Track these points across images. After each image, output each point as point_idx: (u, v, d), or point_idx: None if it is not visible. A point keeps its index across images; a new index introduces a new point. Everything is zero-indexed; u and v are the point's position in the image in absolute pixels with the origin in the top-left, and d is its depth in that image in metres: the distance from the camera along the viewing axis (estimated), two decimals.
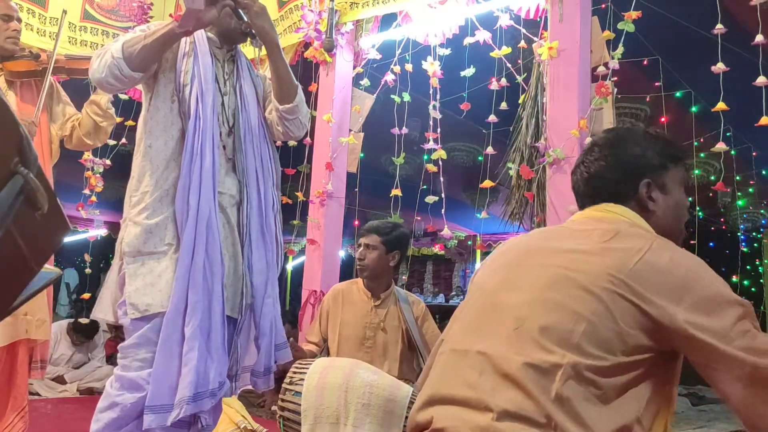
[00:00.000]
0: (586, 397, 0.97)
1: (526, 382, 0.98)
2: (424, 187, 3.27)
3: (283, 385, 2.26)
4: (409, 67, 3.31)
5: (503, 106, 3.01)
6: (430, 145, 3.15)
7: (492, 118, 2.98)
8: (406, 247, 2.73)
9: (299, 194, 3.63)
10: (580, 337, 1.00)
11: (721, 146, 2.53)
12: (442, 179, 3.15)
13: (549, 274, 1.10)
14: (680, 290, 1.02)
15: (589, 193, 1.27)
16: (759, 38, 2.36)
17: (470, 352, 1.08)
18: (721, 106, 2.40)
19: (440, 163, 3.16)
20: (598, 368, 0.99)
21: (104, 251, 9.04)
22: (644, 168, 1.23)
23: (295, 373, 2.29)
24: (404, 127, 3.35)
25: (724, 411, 4.79)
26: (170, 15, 1.85)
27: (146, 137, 1.84)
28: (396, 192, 3.30)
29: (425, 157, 3.25)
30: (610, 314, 1.01)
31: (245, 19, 1.91)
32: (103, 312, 1.83)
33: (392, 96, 3.37)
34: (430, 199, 3.14)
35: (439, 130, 3.18)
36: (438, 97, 3.21)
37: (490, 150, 3.02)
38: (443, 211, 3.10)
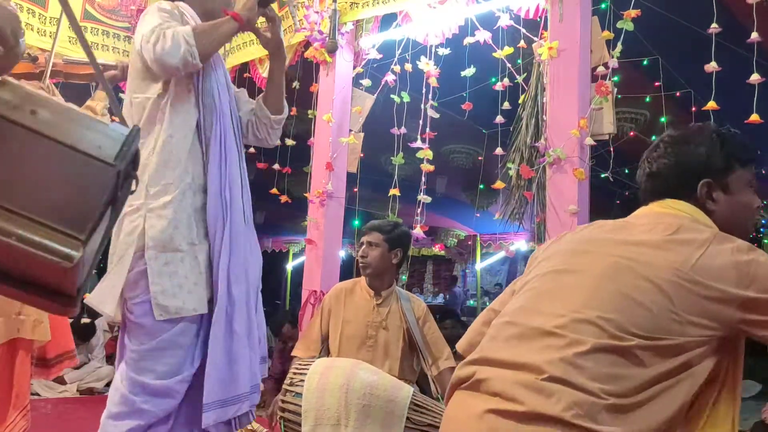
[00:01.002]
0: (640, 375, 1.01)
1: (579, 360, 1.01)
2: (425, 186, 3.27)
3: (284, 386, 2.26)
4: (408, 67, 3.31)
5: (504, 105, 3.01)
6: (418, 144, 3.16)
7: (499, 119, 2.99)
8: (407, 246, 2.75)
9: (308, 195, 3.62)
10: (636, 322, 1.04)
11: None
12: (423, 179, 3.16)
13: (611, 262, 1.13)
14: (746, 279, 1.06)
15: (650, 189, 1.30)
16: (754, 36, 2.36)
17: (525, 326, 1.12)
18: (711, 105, 2.41)
19: (426, 161, 3.17)
20: (654, 347, 1.03)
21: (104, 250, 9.03)
22: (706, 169, 1.24)
23: (295, 374, 2.29)
24: (404, 128, 3.34)
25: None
26: (225, 11, 1.86)
27: (167, 127, 1.76)
28: (394, 191, 3.31)
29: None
30: (671, 304, 1.05)
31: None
32: (109, 308, 1.70)
33: (392, 96, 3.37)
34: (424, 198, 3.15)
35: (428, 129, 3.18)
36: (434, 96, 3.21)
37: (499, 151, 3.01)
38: (420, 210, 3.11)
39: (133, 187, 0.96)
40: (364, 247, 2.67)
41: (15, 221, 0.80)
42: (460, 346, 1.45)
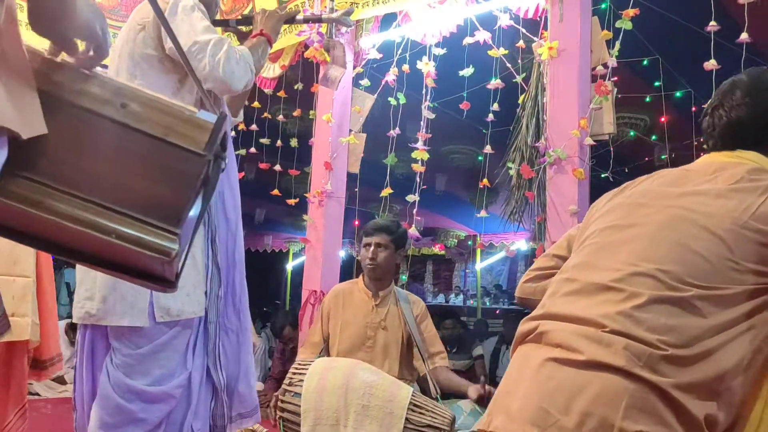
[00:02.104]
0: (699, 325, 1.01)
1: (636, 313, 1.02)
2: (425, 187, 3.27)
3: (283, 386, 2.26)
4: (405, 67, 3.31)
5: (505, 105, 3.01)
6: (419, 144, 3.16)
7: (490, 117, 2.99)
8: (407, 244, 2.77)
9: (308, 195, 3.62)
10: (694, 273, 1.04)
11: None
12: (418, 179, 3.16)
13: (669, 214, 1.13)
14: None
15: (725, 136, 1.26)
16: (743, 36, 2.36)
17: (584, 282, 1.13)
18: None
19: (420, 161, 3.17)
20: (713, 297, 1.03)
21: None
22: None
23: (294, 374, 2.29)
24: (398, 129, 3.34)
25: None
26: (262, 33, 1.83)
27: None
28: (387, 191, 3.31)
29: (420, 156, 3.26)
30: (731, 252, 1.05)
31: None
32: (138, 318, 1.62)
33: (389, 99, 3.37)
34: (411, 197, 3.16)
35: (426, 130, 3.18)
36: (434, 96, 3.21)
37: (488, 149, 3.01)
38: (415, 210, 3.12)
39: (222, 166, 0.95)
40: (372, 248, 2.64)
41: (111, 217, 0.81)
42: (518, 291, 1.46)
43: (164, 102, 0.89)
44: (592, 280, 1.12)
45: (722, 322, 1.02)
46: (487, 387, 2.29)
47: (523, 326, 1.18)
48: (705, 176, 1.18)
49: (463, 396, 2.39)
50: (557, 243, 1.44)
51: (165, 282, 0.94)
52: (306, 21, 1.92)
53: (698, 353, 1.00)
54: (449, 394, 2.49)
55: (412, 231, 3.06)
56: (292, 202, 3.86)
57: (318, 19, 1.97)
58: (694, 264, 1.05)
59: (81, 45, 0.93)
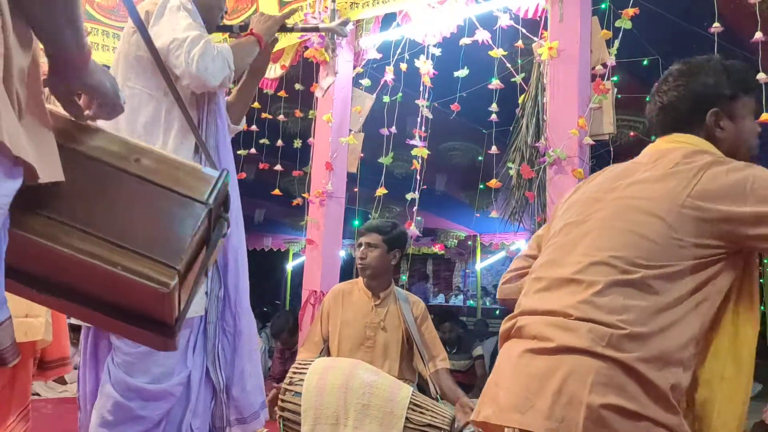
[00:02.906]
0: (654, 302, 1.10)
1: (596, 299, 1.12)
2: (424, 186, 3.27)
3: (283, 386, 2.26)
4: (403, 66, 3.31)
5: (494, 107, 3.01)
6: (415, 141, 3.17)
7: (493, 117, 2.99)
8: (405, 246, 2.74)
9: (307, 195, 3.63)
10: (643, 254, 1.13)
11: None
12: (418, 177, 3.16)
13: (618, 204, 1.22)
14: (743, 195, 1.12)
15: (662, 122, 1.35)
16: (758, 35, 2.36)
17: (550, 278, 1.23)
18: None
19: (420, 159, 3.17)
20: (664, 275, 1.11)
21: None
22: (714, 98, 1.30)
23: (294, 373, 2.29)
24: (404, 128, 3.35)
25: None
26: (252, 33, 1.84)
27: (179, 131, 1.71)
28: (382, 191, 3.31)
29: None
30: (674, 231, 1.13)
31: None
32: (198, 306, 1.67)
33: (384, 97, 3.38)
34: (410, 195, 3.16)
35: (423, 128, 3.19)
36: (429, 96, 3.22)
37: (494, 149, 3.01)
38: (415, 208, 3.12)
39: (224, 230, 1.09)
40: (362, 248, 2.66)
41: (121, 253, 0.93)
42: (499, 293, 1.55)
43: (173, 158, 1.05)
44: (556, 275, 1.21)
45: (677, 297, 1.11)
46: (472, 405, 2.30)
47: (505, 325, 1.27)
48: (648, 165, 1.26)
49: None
50: (528, 243, 1.53)
51: (166, 329, 1.04)
52: (303, 30, 1.94)
53: (658, 328, 1.08)
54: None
55: (413, 230, 3.06)
56: (297, 202, 3.85)
57: (315, 29, 1.98)
58: (642, 247, 1.14)
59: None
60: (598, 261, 1.15)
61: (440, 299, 11.59)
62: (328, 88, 3.50)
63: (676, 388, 1.07)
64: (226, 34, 2.51)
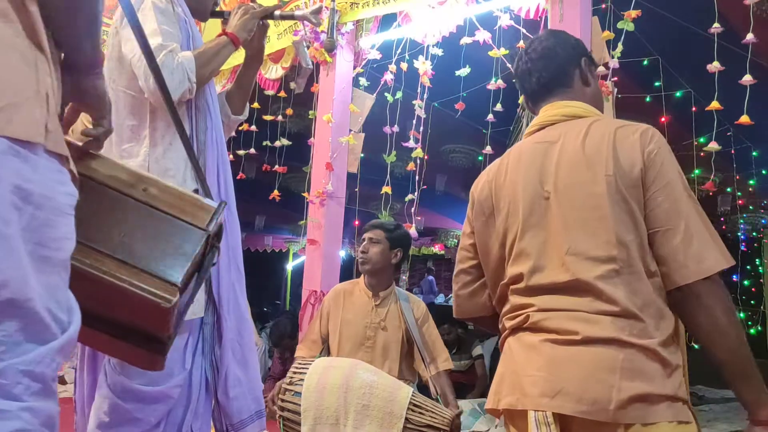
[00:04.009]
0: (654, 284, 1.18)
1: (610, 291, 1.17)
2: (425, 186, 3.28)
3: (283, 386, 2.26)
4: (404, 66, 3.31)
5: (498, 107, 3.01)
6: (411, 144, 3.17)
7: (490, 117, 2.99)
8: (407, 248, 2.74)
9: (306, 194, 3.63)
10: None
11: (713, 146, 2.56)
12: (417, 177, 3.16)
13: (570, 194, 1.25)
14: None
15: (541, 80, 1.41)
16: (749, 37, 2.37)
17: (549, 285, 1.25)
18: (714, 105, 2.41)
19: (418, 161, 3.17)
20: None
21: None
22: (582, 49, 1.46)
23: (295, 373, 2.29)
24: (404, 128, 3.35)
25: (724, 411, 4.78)
26: (225, 33, 1.80)
27: (164, 134, 1.65)
28: (386, 189, 3.31)
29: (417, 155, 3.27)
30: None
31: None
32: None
33: (385, 94, 3.37)
34: (409, 197, 3.16)
35: (422, 128, 3.19)
36: (434, 96, 3.22)
37: (488, 150, 3.01)
38: (413, 209, 3.12)
39: (215, 259, 1.18)
40: (365, 243, 2.67)
41: (129, 270, 1.04)
42: (458, 313, 1.53)
43: (176, 188, 1.18)
44: (552, 280, 1.23)
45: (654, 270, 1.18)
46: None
47: (513, 320, 1.29)
48: (570, 146, 1.30)
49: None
50: (461, 256, 1.50)
51: (158, 346, 1.13)
52: (282, 18, 1.92)
53: (663, 309, 1.16)
54: None
55: (412, 231, 3.06)
56: (308, 195, 3.83)
57: (291, 17, 1.96)
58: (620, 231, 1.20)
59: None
60: (592, 257, 1.18)
61: (440, 299, 11.59)
62: (304, 78, 3.47)
63: (682, 362, 1.16)
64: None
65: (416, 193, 3.19)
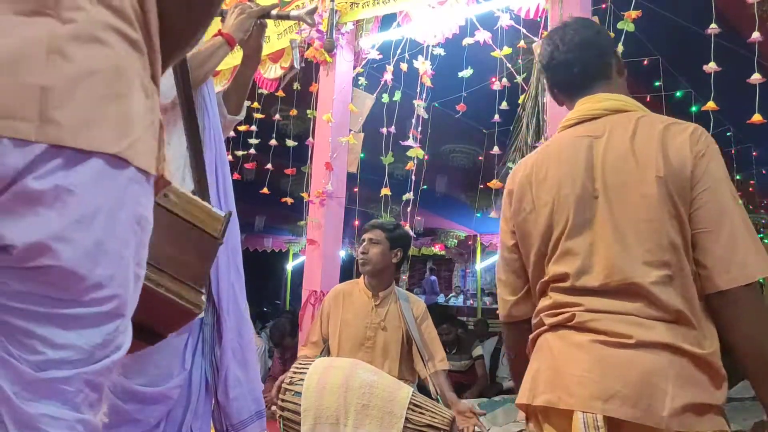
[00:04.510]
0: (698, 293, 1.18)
1: (662, 297, 1.17)
2: (425, 187, 3.27)
3: (283, 385, 2.26)
4: (404, 66, 3.31)
5: (504, 105, 3.01)
6: (410, 142, 3.17)
7: (497, 117, 2.99)
8: (407, 247, 2.74)
9: (305, 195, 3.63)
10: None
11: None
12: (413, 177, 3.16)
13: (621, 195, 1.23)
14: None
15: (585, 71, 1.37)
16: (755, 35, 2.36)
17: (595, 287, 1.24)
18: (710, 105, 2.41)
19: (416, 160, 3.16)
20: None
21: None
22: (612, 39, 1.44)
23: (295, 373, 2.29)
24: (404, 128, 3.34)
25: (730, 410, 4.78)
26: (221, 33, 1.80)
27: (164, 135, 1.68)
28: (386, 191, 3.31)
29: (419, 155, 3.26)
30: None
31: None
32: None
33: (384, 95, 3.37)
34: (406, 196, 3.16)
35: (420, 128, 3.19)
36: (434, 96, 3.21)
37: (496, 150, 3.01)
38: (410, 208, 3.11)
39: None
40: (365, 243, 2.67)
41: (163, 276, 1.09)
42: (509, 317, 1.48)
43: (187, 194, 1.22)
44: (602, 282, 1.20)
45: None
46: (475, 411, 2.30)
47: (551, 319, 1.27)
48: (616, 143, 1.28)
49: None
50: (503, 261, 1.46)
51: (153, 338, 1.18)
52: (278, 18, 1.92)
53: (706, 317, 1.16)
54: None
55: (409, 230, 3.06)
56: (306, 195, 3.83)
57: (286, 16, 1.96)
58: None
59: None
60: (646, 261, 1.17)
61: (440, 299, 11.60)
62: (294, 75, 3.48)
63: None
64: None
65: (417, 193, 3.18)
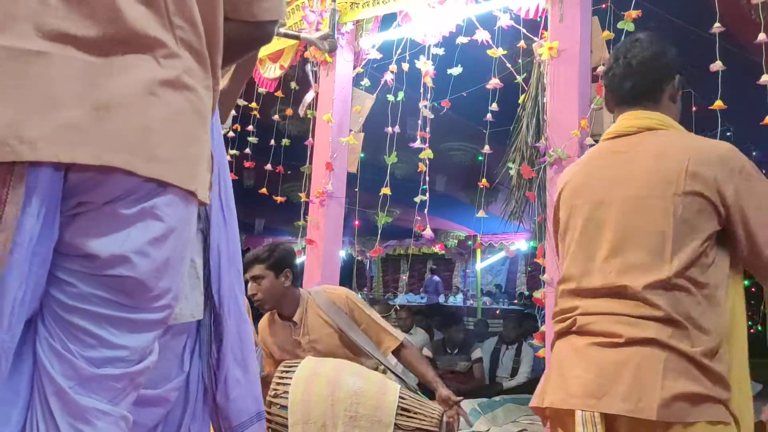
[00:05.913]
0: (701, 296, 1.24)
1: (656, 300, 1.23)
2: (424, 187, 3.26)
3: (268, 398, 2.18)
4: (405, 66, 3.30)
5: (504, 105, 3.00)
6: (418, 144, 3.16)
7: (489, 117, 2.99)
8: (293, 264, 2.54)
9: (302, 195, 3.62)
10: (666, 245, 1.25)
11: None
12: (427, 178, 3.15)
13: (631, 206, 1.31)
14: (731, 173, 1.24)
15: (635, 89, 1.41)
16: (761, 37, 2.35)
17: (595, 288, 1.32)
18: (718, 104, 2.40)
19: (427, 161, 3.16)
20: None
21: None
22: (680, 65, 1.44)
23: (278, 384, 2.22)
24: (404, 128, 3.34)
25: None
26: None
27: None
28: (386, 191, 3.30)
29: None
30: (677, 217, 1.24)
31: None
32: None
33: (388, 96, 3.37)
34: (419, 198, 3.15)
35: (428, 129, 3.18)
36: (434, 95, 3.21)
37: (487, 149, 3.01)
38: (426, 210, 3.10)
39: None
40: (250, 284, 2.47)
41: None
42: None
43: None
44: (601, 284, 1.29)
45: (713, 284, 1.25)
46: (454, 399, 2.25)
47: (559, 325, 1.37)
48: (635, 157, 1.36)
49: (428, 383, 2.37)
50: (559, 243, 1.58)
51: None
52: (286, 36, 1.93)
53: (709, 317, 1.21)
54: None
55: (427, 232, 3.07)
56: (303, 195, 3.83)
57: (296, 37, 1.96)
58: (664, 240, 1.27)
59: None
60: (643, 267, 1.25)
61: (440, 299, 11.60)
62: (310, 102, 3.52)
63: (727, 371, 1.21)
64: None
65: (426, 195, 3.16)
